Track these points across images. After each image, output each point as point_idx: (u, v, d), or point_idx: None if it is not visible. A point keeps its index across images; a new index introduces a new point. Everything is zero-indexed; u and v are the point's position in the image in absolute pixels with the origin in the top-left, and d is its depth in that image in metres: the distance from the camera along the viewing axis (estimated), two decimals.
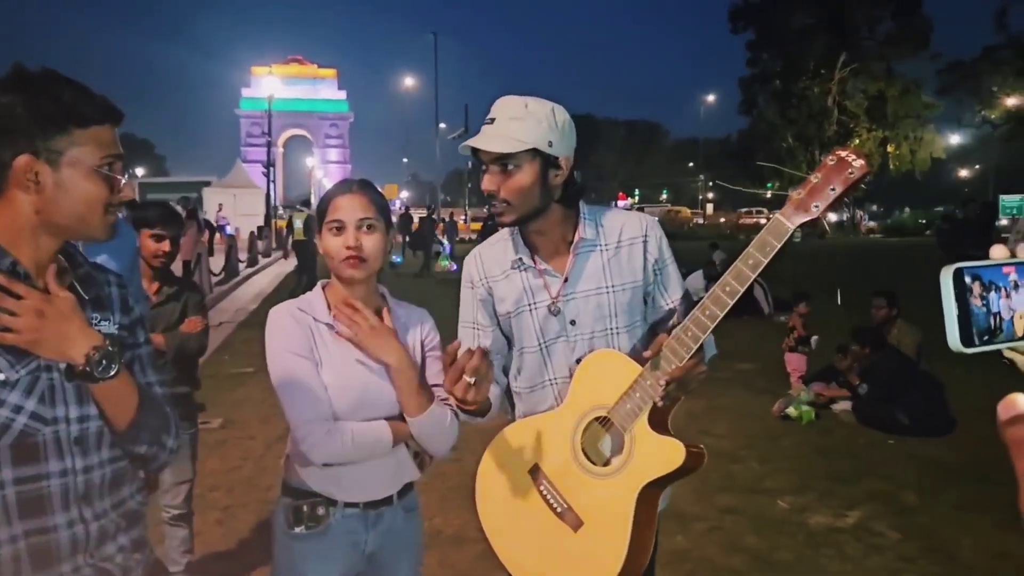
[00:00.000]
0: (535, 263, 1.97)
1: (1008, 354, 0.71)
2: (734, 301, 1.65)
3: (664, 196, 71.87)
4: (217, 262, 16.51)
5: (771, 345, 7.81)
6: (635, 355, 1.87)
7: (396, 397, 1.86)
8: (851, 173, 1.55)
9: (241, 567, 3.69)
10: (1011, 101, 40.20)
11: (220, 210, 32.86)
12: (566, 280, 1.95)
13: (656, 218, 2.16)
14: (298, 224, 16.35)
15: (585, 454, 1.86)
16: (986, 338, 0.68)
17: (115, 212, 1.38)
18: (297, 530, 1.88)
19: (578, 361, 1.94)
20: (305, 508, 1.88)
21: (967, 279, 0.68)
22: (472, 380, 1.66)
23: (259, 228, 27.69)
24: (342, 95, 66.45)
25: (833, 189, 1.56)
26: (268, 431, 5.80)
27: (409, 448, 1.94)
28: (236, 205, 37.06)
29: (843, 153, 1.57)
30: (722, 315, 1.67)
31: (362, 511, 1.91)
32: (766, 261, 1.62)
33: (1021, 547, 3.76)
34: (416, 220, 29.94)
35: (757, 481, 4.95)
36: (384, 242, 1.90)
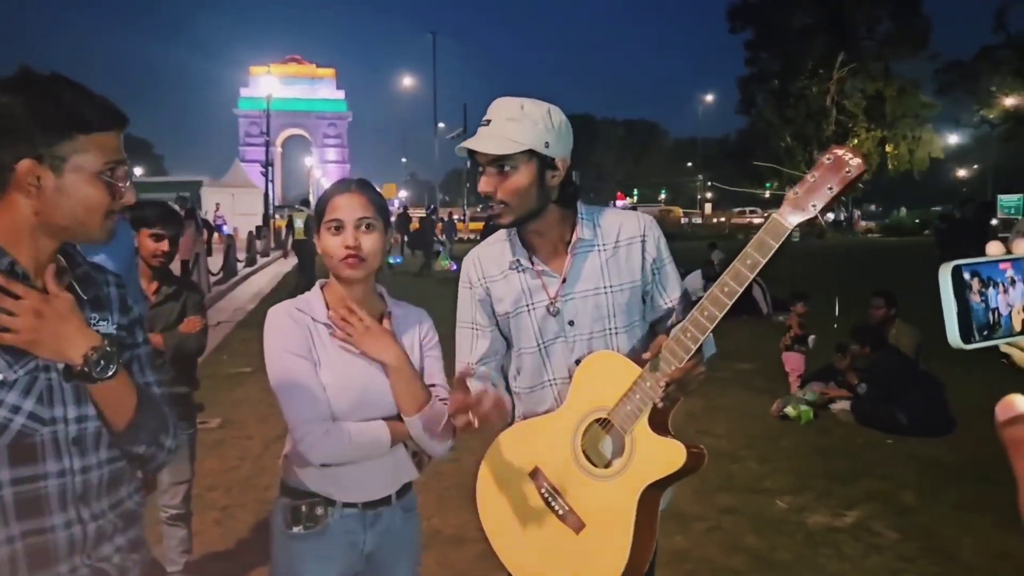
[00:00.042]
0: (533, 264, 1.97)
1: (1005, 348, 0.72)
2: (732, 302, 1.65)
3: (663, 196, 71.90)
4: (215, 262, 16.51)
5: (770, 345, 7.81)
6: (634, 356, 1.87)
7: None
8: (848, 172, 1.54)
9: (239, 567, 3.68)
10: (1009, 101, 40.27)
11: (217, 209, 32.84)
12: (564, 281, 1.95)
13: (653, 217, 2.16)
14: (299, 224, 16.35)
15: (586, 456, 1.85)
16: (985, 333, 0.69)
17: (115, 217, 1.38)
18: (295, 530, 1.88)
19: (577, 362, 1.93)
20: (303, 508, 1.88)
21: (966, 275, 0.68)
22: (476, 425, 1.69)
23: (257, 228, 27.68)
24: (340, 95, 66.43)
25: (830, 188, 1.55)
26: (266, 431, 5.79)
27: (407, 448, 1.94)
28: (234, 205, 37.08)
29: (840, 152, 1.56)
30: (721, 316, 1.66)
31: (360, 511, 1.91)
32: (764, 261, 1.61)
33: (1021, 547, 3.76)
34: (415, 220, 29.96)
35: (756, 481, 4.95)
36: (383, 241, 1.90)
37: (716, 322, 1.67)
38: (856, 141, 43.06)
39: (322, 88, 65.50)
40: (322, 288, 1.96)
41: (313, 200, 13.82)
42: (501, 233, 2.03)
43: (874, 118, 45.71)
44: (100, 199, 1.33)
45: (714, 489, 4.67)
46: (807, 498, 4.64)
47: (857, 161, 1.54)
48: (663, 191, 73.20)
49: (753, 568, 3.76)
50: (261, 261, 23.05)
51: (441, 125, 47.62)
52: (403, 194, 62.99)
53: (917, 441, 5.64)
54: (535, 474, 1.91)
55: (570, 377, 1.93)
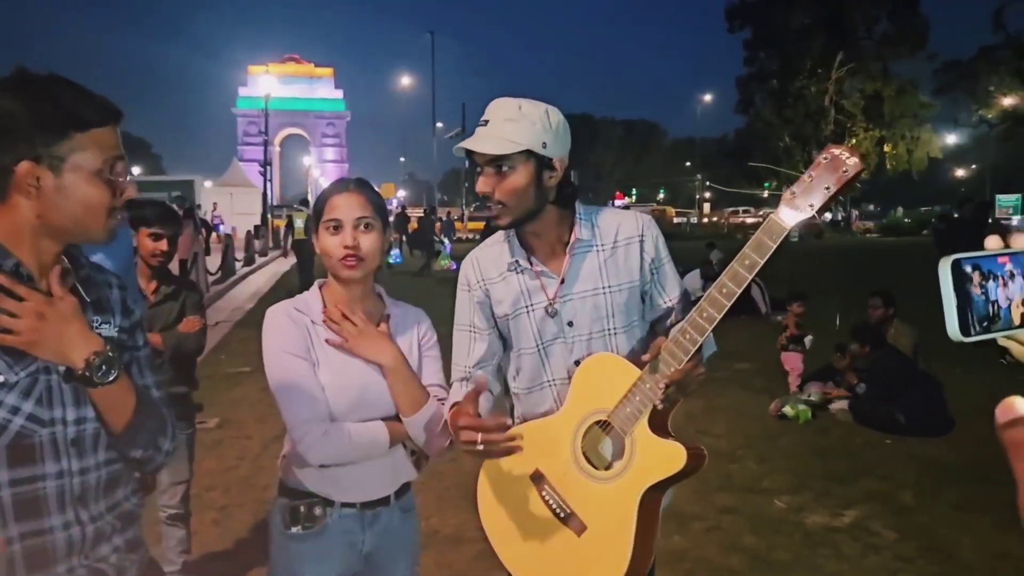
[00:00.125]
0: (532, 265, 1.97)
1: (1003, 342, 0.72)
2: (731, 303, 1.64)
3: (661, 196, 71.94)
4: (213, 261, 16.50)
5: (769, 345, 7.82)
6: (633, 357, 1.87)
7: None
8: (845, 171, 1.53)
9: (238, 567, 3.68)
10: (1007, 101, 40.35)
11: (215, 209, 32.84)
12: (563, 281, 1.94)
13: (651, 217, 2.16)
14: (299, 224, 16.37)
15: (586, 458, 1.85)
16: (985, 324, 0.69)
17: (117, 215, 1.37)
18: (294, 530, 1.88)
19: (576, 363, 1.93)
20: (302, 508, 1.88)
21: (967, 268, 0.69)
22: (481, 448, 1.70)
23: (256, 227, 27.66)
24: (339, 94, 66.43)
25: (827, 188, 1.54)
26: (265, 431, 5.79)
27: (406, 448, 1.94)
28: (233, 204, 37.08)
29: (837, 151, 1.55)
30: (720, 317, 1.66)
31: (359, 511, 1.91)
32: (762, 261, 1.61)
33: (1020, 547, 3.76)
34: (413, 220, 29.94)
35: (755, 481, 4.95)
36: (381, 241, 1.90)
37: (715, 323, 1.66)
38: (854, 141, 43.15)
39: (320, 87, 65.51)
40: (320, 288, 1.96)
41: (312, 200, 13.81)
42: (500, 235, 2.03)
43: (872, 118, 45.77)
44: (100, 197, 1.33)
45: (713, 489, 4.67)
46: (805, 498, 4.64)
47: (854, 160, 1.54)
48: (662, 191, 73.26)
49: (751, 568, 3.76)
50: (259, 260, 23.03)
51: (439, 125, 47.66)
52: (401, 193, 62.99)
53: (916, 441, 5.64)
54: (536, 477, 1.91)
55: (569, 378, 1.93)
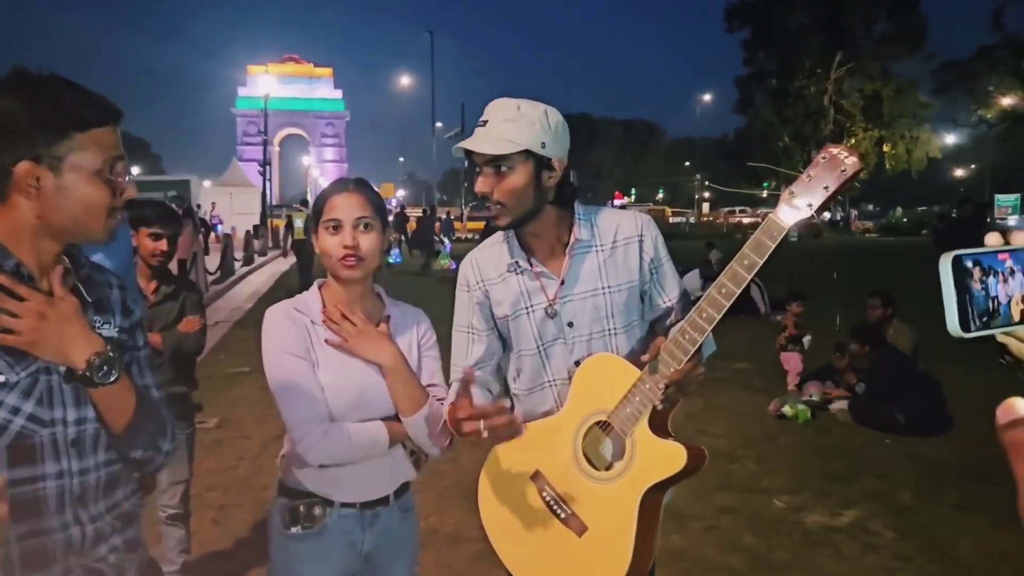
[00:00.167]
0: (531, 266, 1.97)
1: (1002, 338, 0.72)
2: (730, 303, 1.64)
3: (660, 195, 71.97)
4: (213, 261, 16.50)
5: (768, 345, 7.82)
6: (633, 357, 1.87)
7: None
8: (844, 171, 1.53)
9: (237, 567, 3.68)
10: (1006, 100, 40.40)
11: (213, 208, 32.80)
12: (562, 282, 1.94)
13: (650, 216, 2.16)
14: (298, 224, 16.40)
15: (587, 459, 1.85)
16: (984, 320, 0.70)
17: (117, 216, 1.37)
18: (293, 530, 1.88)
19: (577, 363, 1.93)
20: (301, 508, 1.88)
21: (968, 264, 0.69)
22: (485, 435, 1.69)
23: (255, 227, 27.64)
24: (338, 94, 66.44)
25: (826, 187, 1.54)
26: (264, 430, 5.79)
27: (405, 448, 1.94)
28: (232, 204, 37.02)
29: (835, 150, 1.55)
30: (719, 317, 1.66)
31: (359, 511, 1.90)
32: (761, 261, 1.61)
33: (1019, 547, 3.76)
34: (412, 220, 29.91)
35: (754, 480, 4.95)
36: (381, 241, 1.89)
37: (714, 323, 1.66)
38: (854, 141, 43.17)
39: (320, 87, 65.52)
40: (320, 288, 1.96)
41: (311, 200, 13.82)
42: (499, 235, 2.03)
43: (872, 118, 45.79)
44: (100, 197, 1.32)
45: (712, 488, 4.67)
46: (805, 497, 4.64)
47: (853, 159, 1.54)
48: (661, 191, 73.27)
49: (750, 567, 3.76)
50: (258, 260, 23.02)
51: (439, 124, 47.63)
52: (401, 193, 63.02)
53: (915, 441, 5.64)
54: (537, 478, 1.91)
55: (570, 378, 1.93)
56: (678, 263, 2.12)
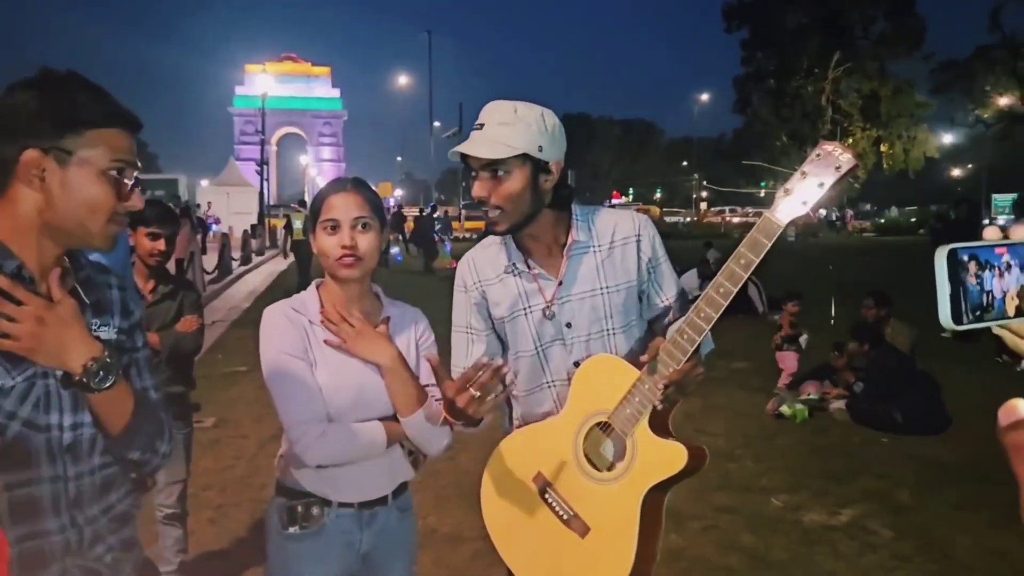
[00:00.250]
0: (529, 267, 1.96)
1: (997, 331, 0.73)
2: (728, 302, 1.64)
3: (658, 195, 71.98)
4: (210, 260, 16.48)
5: (766, 344, 7.82)
6: (632, 357, 1.87)
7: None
8: (839, 168, 1.53)
9: (234, 567, 3.68)
10: (1004, 100, 40.46)
11: (208, 208, 32.73)
12: (560, 283, 1.94)
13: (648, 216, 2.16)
14: (297, 224, 16.41)
15: (588, 460, 1.85)
16: (978, 313, 0.70)
17: (119, 222, 1.35)
18: (291, 530, 1.87)
19: (576, 364, 1.93)
20: (299, 508, 1.87)
21: (964, 257, 0.70)
22: (477, 395, 1.63)
23: (252, 226, 27.61)
24: (336, 93, 66.44)
25: (821, 184, 1.54)
26: (261, 430, 5.78)
27: (404, 448, 1.93)
28: (229, 203, 36.97)
29: (829, 147, 1.54)
30: (717, 316, 1.66)
31: (357, 511, 1.90)
32: (758, 260, 1.61)
33: (1017, 546, 3.77)
34: (409, 219, 29.83)
35: (752, 480, 4.95)
36: (379, 241, 1.89)
37: (712, 323, 1.66)
38: (851, 140, 43.13)
39: (317, 87, 65.52)
40: (318, 288, 1.95)
41: (309, 199, 13.81)
42: (496, 236, 2.02)
43: (869, 117, 45.78)
44: (104, 198, 1.31)
45: (710, 488, 4.67)
46: (803, 497, 4.64)
47: (847, 156, 1.53)
48: (659, 190, 73.29)
49: (749, 567, 3.76)
50: (256, 260, 23.00)
51: (437, 124, 47.58)
52: (399, 193, 62.96)
53: (913, 440, 5.65)
54: (538, 479, 1.90)
55: (569, 379, 1.93)
56: (676, 263, 2.12)
